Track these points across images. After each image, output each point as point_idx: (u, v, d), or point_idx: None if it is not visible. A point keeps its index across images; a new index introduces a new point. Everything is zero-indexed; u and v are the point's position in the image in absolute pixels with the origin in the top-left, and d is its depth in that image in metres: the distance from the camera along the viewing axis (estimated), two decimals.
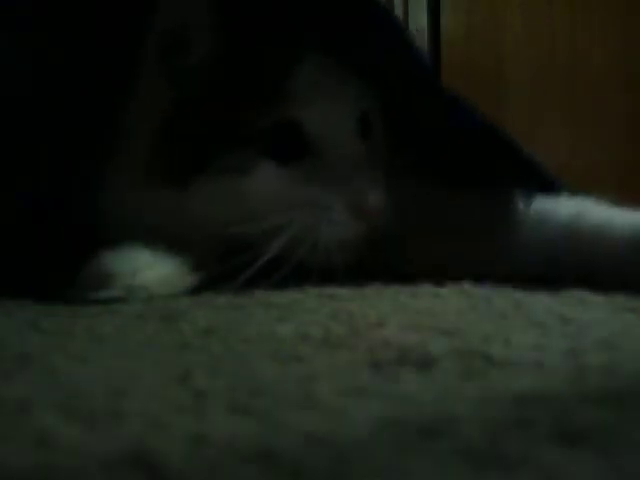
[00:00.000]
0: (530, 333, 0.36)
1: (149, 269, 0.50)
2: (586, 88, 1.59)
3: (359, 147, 0.55)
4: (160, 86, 0.53)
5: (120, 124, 0.53)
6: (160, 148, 0.52)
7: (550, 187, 0.54)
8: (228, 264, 0.49)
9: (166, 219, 0.52)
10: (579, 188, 0.56)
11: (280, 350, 0.34)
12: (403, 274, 0.53)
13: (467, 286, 0.50)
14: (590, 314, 0.41)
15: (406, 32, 0.60)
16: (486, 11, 1.58)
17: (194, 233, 0.52)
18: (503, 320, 0.40)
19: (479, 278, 0.51)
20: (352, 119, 0.55)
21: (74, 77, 0.54)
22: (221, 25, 0.52)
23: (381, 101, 0.57)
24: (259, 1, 0.53)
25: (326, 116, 0.53)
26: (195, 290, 0.52)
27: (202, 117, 0.52)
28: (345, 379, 0.29)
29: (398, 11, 1.50)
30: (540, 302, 0.44)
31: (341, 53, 0.54)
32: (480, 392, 0.27)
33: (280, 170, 0.53)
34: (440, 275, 0.51)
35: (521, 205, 0.54)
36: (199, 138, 0.52)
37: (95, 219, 0.53)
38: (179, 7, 0.51)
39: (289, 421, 0.25)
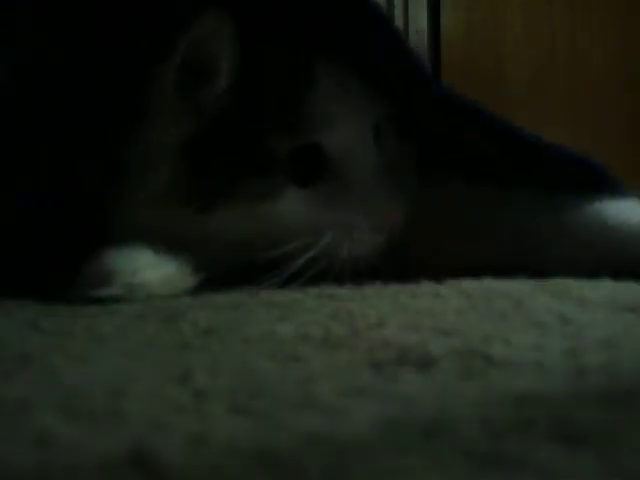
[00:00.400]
0: (530, 333, 0.36)
1: (150, 268, 0.50)
2: (586, 88, 1.59)
3: (376, 160, 0.55)
4: (180, 116, 0.52)
5: (123, 129, 0.53)
6: (181, 175, 0.52)
7: (591, 186, 0.55)
8: (249, 278, 0.50)
9: (183, 238, 0.52)
10: None
11: (280, 350, 0.34)
12: (403, 274, 0.53)
13: (467, 286, 0.50)
14: (590, 314, 0.41)
15: (401, 34, 0.61)
16: (486, 11, 1.58)
17: (214, 252, 0.52)
18: (503, 320, 0.40)
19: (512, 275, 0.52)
20: (368, 132, 0.55)
21: (74, 77, 0.54)
22: (240, 55, 0.52)
23: (387, 102, 0.57)
24: (268, 22, 0.53)
25: (346, 137, 0.54)
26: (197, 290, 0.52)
27: (223, 145, 0.52)
28: (345, 379, 0.29)
29: (398, 11, 1.50)
30: (540, 302, 0.44)
31: (343, 54, 0.54)
32: (480, 392, 0.27)
33: (302, 193, 0.53)
34: (474, 275, 0.52)
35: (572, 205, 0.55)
36: (220, 165, 0.52)
37: (96, 219, 0.53)
38: (200, 40, 0.51)
39: (289, 421, 0.25)
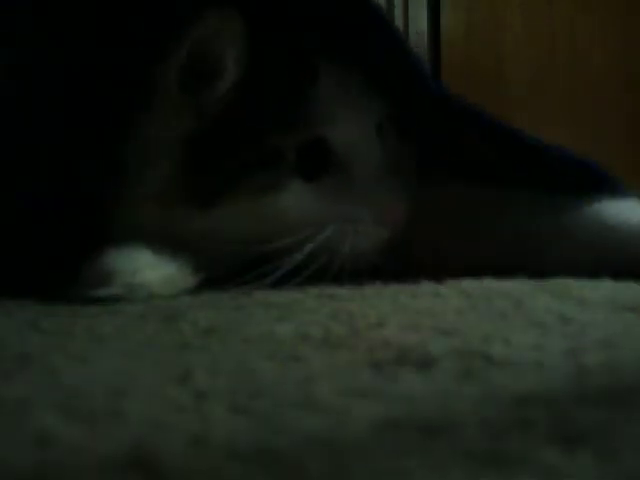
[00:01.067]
0: (530, 333, 0.36)
1: (150, 268, 0.50)
2: (586, 88, 1.59)
3: (380, 155, 0.55)
4: (182, 112, 0.52)
5: (124, 128, 0.53)
6: (180, 172, 0.52)
7: (579, 187, 0.56)
8: (249, 275, 0.50)
9: (183, 237, 0.52)
10: None
11: (280, 350, 0.34)
12: (403, 274, 0.53)
13: (467, 286, 0.50)
14: (590, 314, 0.41)
15: (401, 34, 0.61)
16: (486, 11, 1.58)
17: (215, 250, 0.52)
18: (503, 320, 0.40)
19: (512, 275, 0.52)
20: (372, 128, 0.55)
21: (74, 77, 0.54)
22: (245, 54, 0.52)
23: (387, 102, 0.57)
24: (269, 22, 0.53)
25: (350, 132, 0.54)
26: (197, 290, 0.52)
27: (227, 141, 0.52)
28: (345, 379, 0.29)
29: (398, 11, 1.50)
30: (540, 302, 0.44)
31: (343, 54, 0.54)
32: (480, 392, 0.27)
33: (307, 186, 0.53)
34: (474, 275, 0.52)
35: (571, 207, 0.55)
36: (223, 162, 0.52)
37: (96, 219, 0.53)
38: (204, 40, 0.51)
39: (289, 421, 0.25)
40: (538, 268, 0.53)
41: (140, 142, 0.53)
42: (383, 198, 0.54)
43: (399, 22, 1.48)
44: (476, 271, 0.53)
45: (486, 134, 0.56)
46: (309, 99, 0.53)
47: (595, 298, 0.45)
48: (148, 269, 0.50)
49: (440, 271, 0.53)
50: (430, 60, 1.49)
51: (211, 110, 0.52)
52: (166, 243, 0.51)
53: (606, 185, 0.56)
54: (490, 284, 0.51)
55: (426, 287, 0.51)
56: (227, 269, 0.52)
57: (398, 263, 0.55)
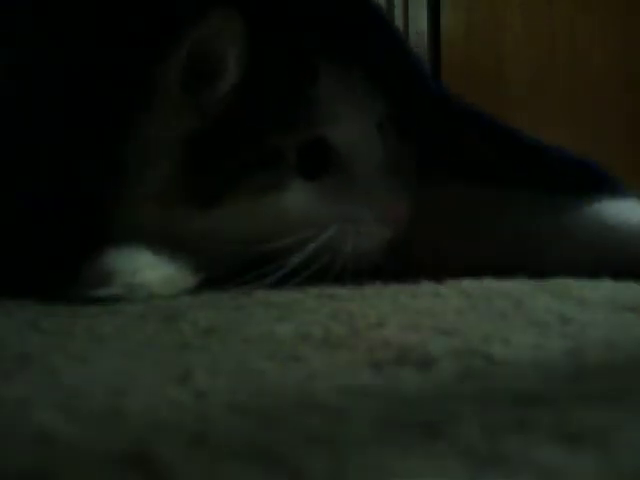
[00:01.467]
0: (530, 333, 0.36)
1: (150, 268, 0.50)
2: (586, 88, 1.59)
3: (380, 155, 0.55)
4: (182, 112, 0.52)
5: (124, 128, 0.53)
6: (180, 172, 0.52)
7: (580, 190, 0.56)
8: (249, 275, 0.50)
9: (183, 237, 0.52)
10: None
11: (280, 350, 0.34)
12: (403, 274, 0.53)
13: (467, 286, 0.50)
14: (590, 314, 0.41)
15: (401, 34, 0.61)
16: (486, 11, 1.58)
17: (216, 250, 0.52)
18: (503, 320, 0.40)
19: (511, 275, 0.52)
20: (372, 128, 0.55)
21: (74, 77, 0.54)
22: (246, 54, 0.52)
23: (387, 102, 0.57)
24: (269, 22, 0.53)
25: (351, 131, 0.54)
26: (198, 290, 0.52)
27: (227, 141, 0.52)
28: (345, 379, 0.29)
29: (398, 11, 1.50)
30: (540, 302, 0.44)
31: (343, 54, 0.54)
32: (480, 392, 0.27)
33: (308, 186, 0.53)
34: (474, 275, 0.52)
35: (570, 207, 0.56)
36: (224, 162, 0.52)
37: (96, 219, 0.53)
38: (206, 39, 0.51)
39: (289, 421, 0.25)
40: (538, 268, 0.53)
41: (140, 142, 0.53)
42: (385, 197, 0.54)
43: (399, 22, 1.48)
44: (476, 271, 0.53)
45: (486, 134, 0.56)
46: (309, 99, 0.53)
47: (595, 298, 0.45)
48: (148, 269, 0.50)
49: (440, 271, 0.53)
50: (430, 60, 1.49)
51: (212, 110, 0.52)
52: (166, 243, 0.51)
53: (606, 185, 0.56)
54: (490, 284, 0.51)
55: (426, 287, 0.51)
56: (227, 269, 0.52)
57: (398, 263, 0.55)
